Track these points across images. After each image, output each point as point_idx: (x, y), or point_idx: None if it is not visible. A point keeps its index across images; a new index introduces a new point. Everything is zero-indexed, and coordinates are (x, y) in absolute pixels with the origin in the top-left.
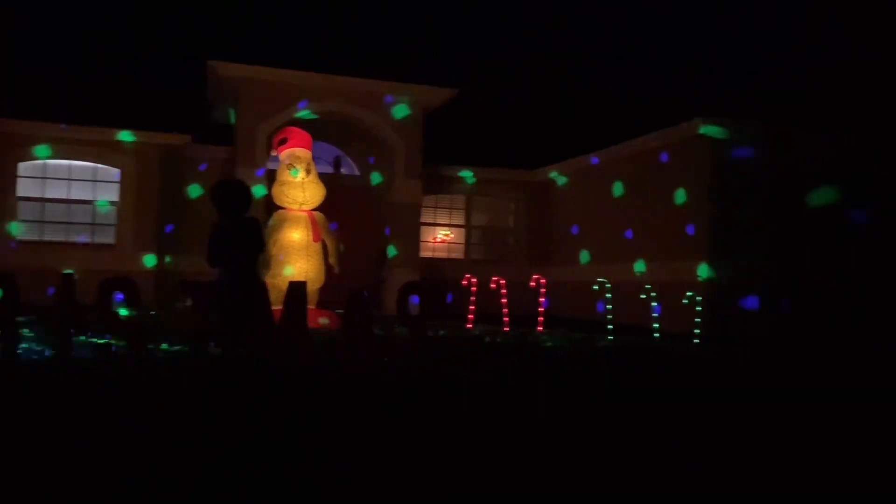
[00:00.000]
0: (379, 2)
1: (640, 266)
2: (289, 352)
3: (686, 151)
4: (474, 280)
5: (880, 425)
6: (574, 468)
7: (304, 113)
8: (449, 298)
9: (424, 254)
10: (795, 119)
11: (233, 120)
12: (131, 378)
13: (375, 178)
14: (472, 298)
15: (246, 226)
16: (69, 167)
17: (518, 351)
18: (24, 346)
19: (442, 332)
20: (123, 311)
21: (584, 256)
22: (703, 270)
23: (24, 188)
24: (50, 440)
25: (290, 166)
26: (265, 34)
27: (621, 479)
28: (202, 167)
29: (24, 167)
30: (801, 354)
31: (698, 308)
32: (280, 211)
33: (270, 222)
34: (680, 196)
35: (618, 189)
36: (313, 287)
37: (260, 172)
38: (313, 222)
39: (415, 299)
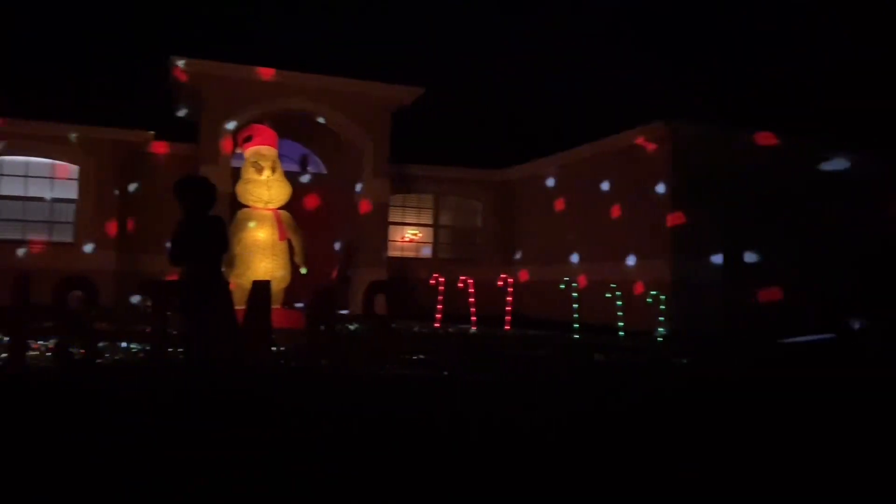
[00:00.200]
0: (345, 0)
1: (606, 265)
2: (251, 352)
3: (652, 152)
4: (442, 279)
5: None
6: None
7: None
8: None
9: (392, 253)
10: (759, 121)
11: (196, 117)
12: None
13: (342, 176)
14: (440, 298)
15: (210, 224)
16: (26, 164)
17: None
18: None
19: (410, 331)
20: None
21: (552, 255)
22: (667, 269)
23: None
24: None
25: (256, 164)
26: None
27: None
28: (165, 164)
29: None
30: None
31: (662, 307)
32: (245, 209)
33: (235, 221)
34: (646, 196)
35: (585, 189)
36: (279, 286)
37: (224, 171)
38: (279, 221)
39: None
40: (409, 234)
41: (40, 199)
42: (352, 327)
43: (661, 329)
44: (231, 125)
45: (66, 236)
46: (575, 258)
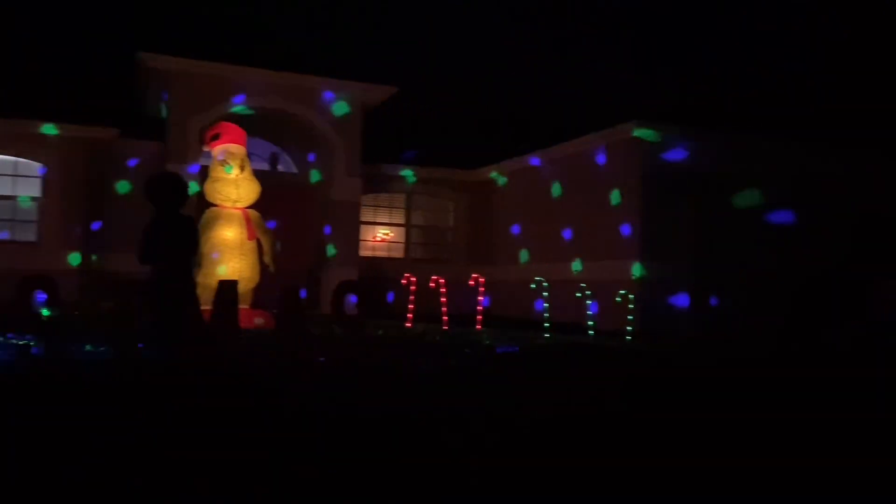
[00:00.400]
0: None
1: (576, 265)
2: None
3: (620, 153)
4: (413, 279)
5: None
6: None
7: (239, 108)
8: (390, 297)
9: (364, 253)
10: (724, 123)
11: (164, 114)
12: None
13: (314, 175)
14: (412, 297)
15: (180, 223)
16: None
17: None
18: None
19: (380, 332)
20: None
21: (523, 256)
22: (636, 269)
23: None
24: None
25: (224, 162)
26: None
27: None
28: (131, 162)
29: None
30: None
31: (631, 306)
32: (213, 208)
33: (202, 220)
34: (615, 196)
35: (556, 189)
36: (248, 287)
37: (192, 169)
38: (247, 220)
39: (353, 298)
40: (381, 233)
41: (6, 198)
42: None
43: (629, 328)
44: (199, 122)
45: (30, 235)
46: (546, 258)
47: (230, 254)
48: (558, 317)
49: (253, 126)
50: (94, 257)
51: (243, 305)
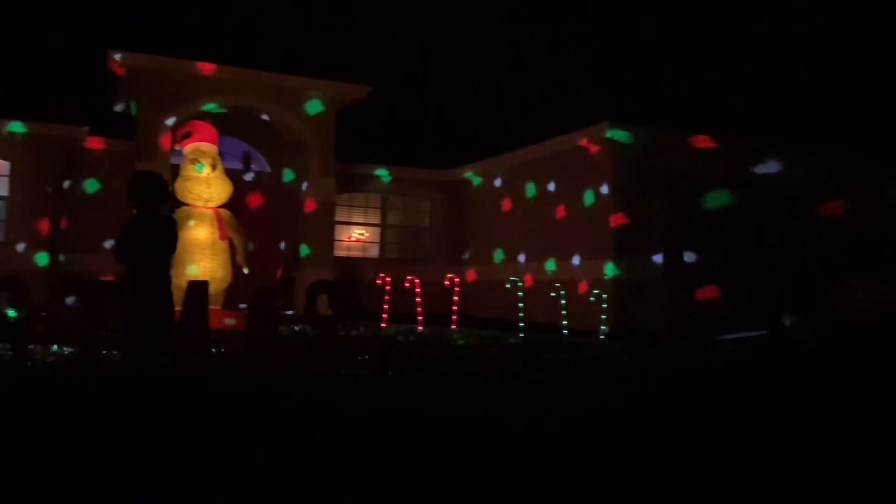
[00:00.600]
0: None
1: (551, 265)
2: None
3: (594, 154)
4: (388, 279)
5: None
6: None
7: (211, 106)
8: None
9: (339, 253)
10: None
11: (133, 112)
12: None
13: (287, 175)
14: (387, 298)
15: (160, 223)
16: None
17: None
18: None
19: (354, 332)
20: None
21: (498, 256)
22: (609, 269)
23: None
24: None
25: (195, 161)
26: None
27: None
28: (101, 161)
29: None
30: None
31: (604, 305)
32: (184, 208)
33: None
34: (588, 197)
35: (530, 189)
36: (220, 287)
37: (163, 168)
38: (219, 220)
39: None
40: (356, 233)
41: None
42: (296, 328)
43: (603, 328)
44: (170, 121)
45: None
46: (521, 258)
47: (201, 254)
48: (533, 316)
49: (226, 125)
50: (61, 257)
51: (215, 306)
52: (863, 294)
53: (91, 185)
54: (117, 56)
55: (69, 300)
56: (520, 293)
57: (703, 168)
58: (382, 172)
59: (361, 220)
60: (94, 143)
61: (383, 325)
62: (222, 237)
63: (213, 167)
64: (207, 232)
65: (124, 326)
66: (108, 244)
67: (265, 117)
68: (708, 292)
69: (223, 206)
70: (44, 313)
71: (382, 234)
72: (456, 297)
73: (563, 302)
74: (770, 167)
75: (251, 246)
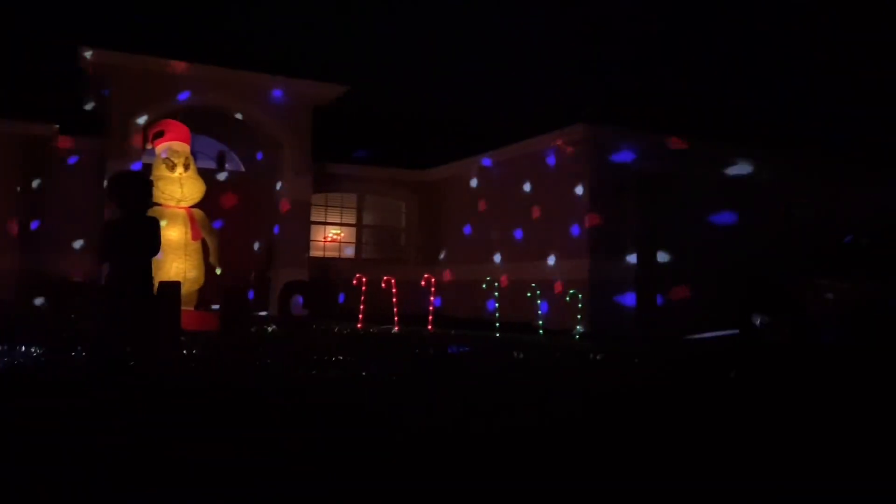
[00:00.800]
0: None
1: (526, 265)
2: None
3: (570, 154)
4: (364, 279)
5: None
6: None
7: (184, 105)
8: (341, 298)
9: (315, 253)
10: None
11: (105, 110)
12: None
13: (262, 174)
14: (363, 298)
15: (143, 224)
16: None
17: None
18: None
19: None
20: None
21: (475, 256)
22: (584, 269)
23: None
24: None
25: (167, 160)
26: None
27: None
28: (71, 160)
29: None
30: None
31: (580, 305)
32: (156, 208)
33: None
34: (564, 197)
35: (507, 190)
36: (192, 288)
37: (135, 167)
38: (192, 220)
39: (300, 299)
40: (332, 233)
41: None
42: (269, 329)
43: (578, 327)
44: (142, 120)
45: None
46: (497, 258)
47: (174, 254)
48: (509, 316)
49: (199, 124)
50: (32, 257)
51: (187, 307)
52: (832, 294)
53: (61, 185)
54: (88, 53)
55: (38, 300)
56: (496, 293)
57: (677, 169)
58: (358, 172)
59: (337, 221)
60: (65, 142)
61: (359, 325)
62: (195, 237)
63: (186, 167)
64: (180, 232)
65: (100, 326)
66: (78, 244)
67: (239, 116)
68: (680, 292)
69: (196, 205)
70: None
71: (358, 235)
72: (432, 298)
73: (539, 302)
74: (743, 168)
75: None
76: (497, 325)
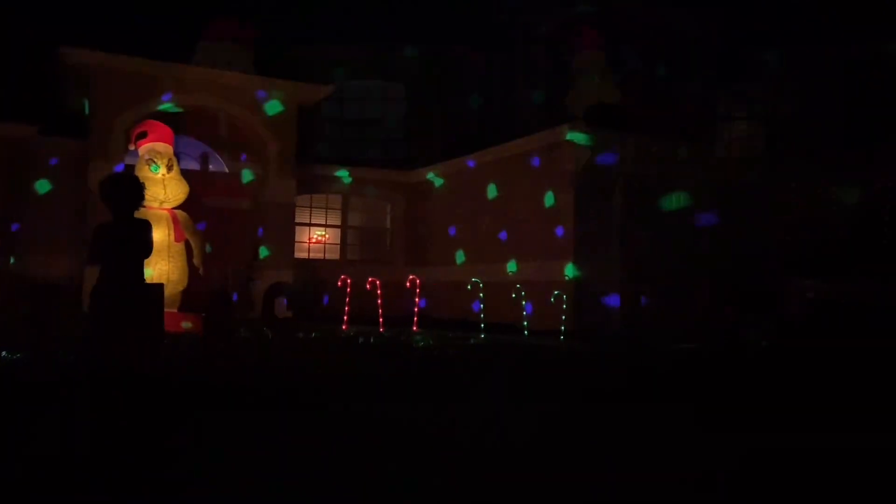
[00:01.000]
0: None
1: (511, 266)
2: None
3: (554, 156)
4: (349, 281)
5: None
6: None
7: (167, 106)
8: (325, 300)
9: (299, 254)
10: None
11: (87, 111)
12: None
13: (246, 175)
14: (347, 299)
15: (135, 226)
16: None
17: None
18: None
19: (314, 334)
20: None
21: (460, 257)
22: (569, 270)
23: None
24: None
25: (150, 162)
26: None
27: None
28: (52, 161)
29: None
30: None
31: (564, 306)
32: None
33: None
34: (549, 199)
35: (491, 191)
36: (175, 290)
37: (117, 168)
38: (175, 221)
39: (284, 301)
40: (317, 235)
41: None
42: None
43: (563, 328)
44: (124, 120)
45: None
46: (482, 259)
47: (157, 256)
48: (494, 317)
49: (182, 124)
50: (11, 260)
51: (171, 309)
52: (812, 294)
53: (42, 186)
54: (70, 53)
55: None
56: (481, 294)
57: (660, 171)
58: (343, 174)
59: (322, 222)
60: (46, 144)
61: (344, 327)
62: (178, 239)
63: (169, 168)
64: (163, 234)
65: (90, 328)
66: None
67: (223, 117)
68: (663, 293)
69: (180, 207)
70: None
71: (343, 236)
72: (417, 299)
73: (524, 303)
74: (724, 170)
75: (209, 248)
76: (482, 325)
